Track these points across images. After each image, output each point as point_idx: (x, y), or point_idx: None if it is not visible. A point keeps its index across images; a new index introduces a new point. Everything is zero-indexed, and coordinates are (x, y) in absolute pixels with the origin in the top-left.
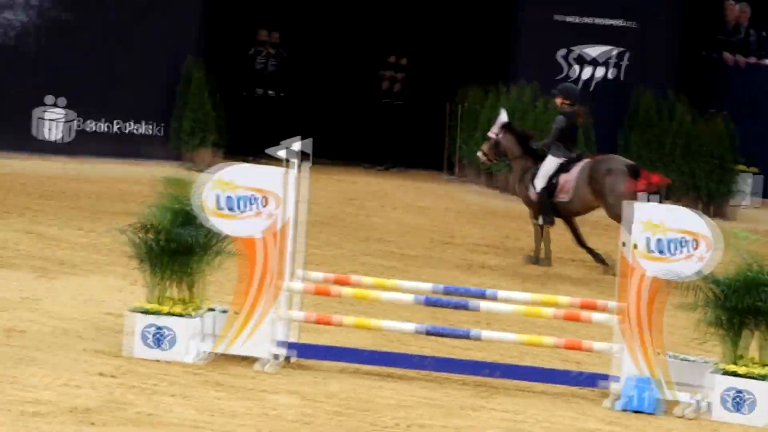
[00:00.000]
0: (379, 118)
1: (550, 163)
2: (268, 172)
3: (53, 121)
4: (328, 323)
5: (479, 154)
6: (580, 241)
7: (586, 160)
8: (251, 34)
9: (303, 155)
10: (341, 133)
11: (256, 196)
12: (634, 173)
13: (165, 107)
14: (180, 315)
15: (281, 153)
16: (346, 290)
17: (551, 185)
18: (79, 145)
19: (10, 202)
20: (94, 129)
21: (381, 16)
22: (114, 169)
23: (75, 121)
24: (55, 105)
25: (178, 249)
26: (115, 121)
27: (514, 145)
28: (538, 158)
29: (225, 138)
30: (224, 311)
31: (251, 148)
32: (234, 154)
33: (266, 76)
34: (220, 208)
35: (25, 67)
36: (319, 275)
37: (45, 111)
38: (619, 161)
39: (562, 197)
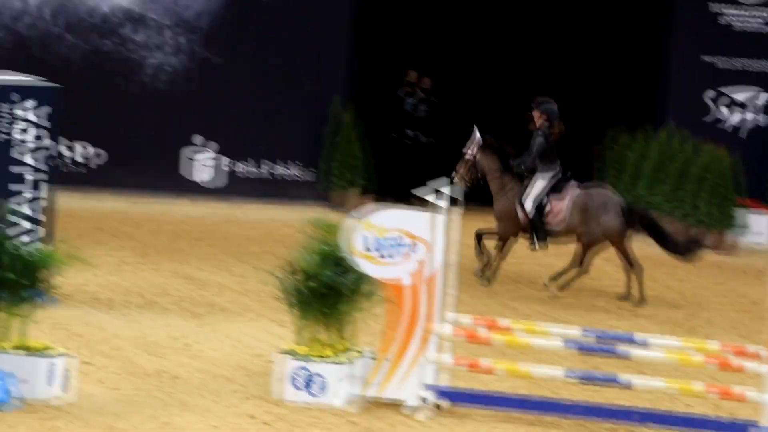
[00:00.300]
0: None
1: (541, 184)
2: (417, 216)
3: (202, 163)
4: (477, 368)
5: (453, 175)
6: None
7: (577, 189)
8: (400, 76)
9: (452, 199)
10: None
11: (404, 239)
12: (627, 212)
13: (313, 150)
14: (329, 358)
15: (431, 197)
16: (496, 335)
17: (541, 207)
18: (228, 187)
19: (160, 244)
20: (243, 171)
21: (531, 60)
22: (263, 212)
23: (224, 163)
24: (204, 147)
25: (326, 292)
26: (263, 163)
27: (493, 163)
28: (517, 176)
29: (373, 181)
30: (373, 355)
31: (400, 191)
32: (382, 196)
33: (416, 118)
34: (368, 251)
35: (176, 109)
36: (468, 320)
37: (194, 152)
38: (614, 196)
39: (554, 223)
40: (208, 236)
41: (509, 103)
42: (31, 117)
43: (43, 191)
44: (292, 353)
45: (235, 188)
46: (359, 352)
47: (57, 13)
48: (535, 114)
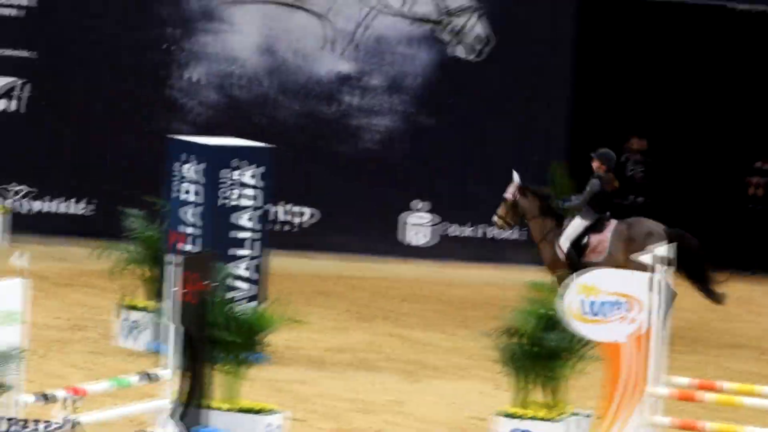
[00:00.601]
0: (745, 223)
1: (577, 225)
2: (633, 277)
3: (419, 225)
4: (693, 429)
5: (495, 218)
6: None
7: (615, 222)
8: (618, 140)
9: (667, 260)
10: (707, 239)
11: (620, 300)
12: (672, 237)
13: None
14: (544, 419)
15: (646, 258)
16: (711, 396)
17: (580, 245)
18: (443, 249)
19: (375, 305)
20: (458, 233)
21: (749, 120)
22: (477, 274)
23: (440, 226)
24: (418, 208)
25: (542, 353)
26: (478, 226)
27: (533, 205)
28: (558, 218)
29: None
30: (588, 416)
31: None
32: None
33: (635, 182)
34: (584, 312)
35: (388, 172)
36: (683, 381)
37: (411, 215)
38: (656, 225)
39: (595, 257)
40: (423, 297)
41: (724, 163)
42: (249, 180)
43: (259, 252)
44: (507, 414)
45: (448, 250)
46: (575, 412)
47: (272, 76)
48: (595, 164)
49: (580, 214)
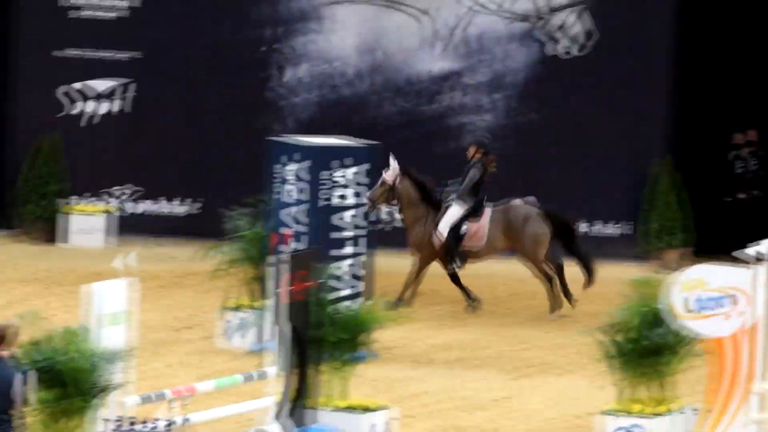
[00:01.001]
0: None
1: (456, 211)
2: (738, 272)
3: None
4: None
5: (368, 202)
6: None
7: (491, 208)
8: (720, 133)
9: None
10: None
11: (725, 296)
12: (549, 217)
13: (632, 208)
14: (651, 415)
15: (753, 252)
16: None
17: (458, 233)
18: None
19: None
20: None
21: None
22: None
23: None
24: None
25: (648, 349)
26: (582, 221)
27: (411, 192)
28: (434, 206)
29: (694, 239)
30: (696, 411)
31: (724, 249)
32: (704, 254)
33: (746, 178)
34: (688, 308)
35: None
36: None
37: None
38: (531, 207)
39: (474, 244)
40: (529, 294)
41: None
42: (352, 178)
43: (364, 250)
44: (613, 411)
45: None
46: (682, 408)
47: (372, 75)
48: (472, 150)
49: (458, 200)
